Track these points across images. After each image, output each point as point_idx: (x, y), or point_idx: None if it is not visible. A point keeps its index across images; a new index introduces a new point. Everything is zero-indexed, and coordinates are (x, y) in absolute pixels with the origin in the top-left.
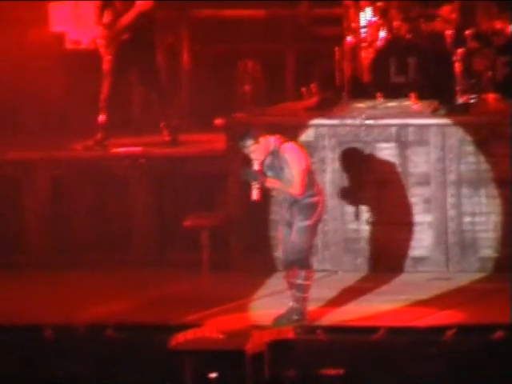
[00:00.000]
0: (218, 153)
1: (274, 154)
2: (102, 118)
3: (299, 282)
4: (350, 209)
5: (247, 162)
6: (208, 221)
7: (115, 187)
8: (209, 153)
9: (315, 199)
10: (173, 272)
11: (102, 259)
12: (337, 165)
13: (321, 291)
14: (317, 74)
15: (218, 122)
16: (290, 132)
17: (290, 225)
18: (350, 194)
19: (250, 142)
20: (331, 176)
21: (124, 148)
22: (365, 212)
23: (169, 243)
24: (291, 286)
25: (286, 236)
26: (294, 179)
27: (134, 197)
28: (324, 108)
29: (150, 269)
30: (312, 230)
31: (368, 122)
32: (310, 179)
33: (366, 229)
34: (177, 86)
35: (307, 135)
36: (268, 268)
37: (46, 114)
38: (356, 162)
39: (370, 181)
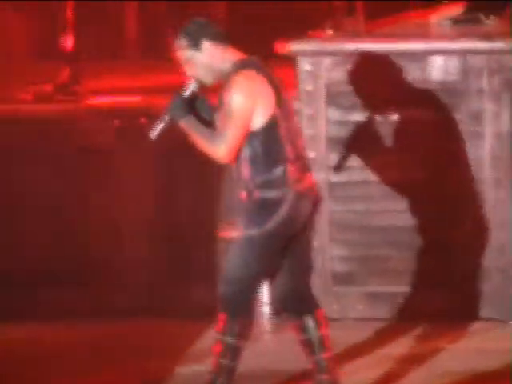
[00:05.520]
0: None
1: (225, 82)
2: (68, 41)
3: (222, 338)
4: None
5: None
6: None
7: (89, 165)
8: None
9: (277, 195)
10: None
11: (60, 295)
12: (503, 125)
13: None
14: None
15: (281, 46)
16: (417, 64)
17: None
18: None
19: (184, 43)
20: (492, 143)
21: (109, 97)
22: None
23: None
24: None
25: None
26: (222, 132)
27: (123, 185)
28: (478, 20)
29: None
30: (261, 249)
31: None
32: (276, 150)
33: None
34: None
35: (447, 70)
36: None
37: None
38: None
39: None
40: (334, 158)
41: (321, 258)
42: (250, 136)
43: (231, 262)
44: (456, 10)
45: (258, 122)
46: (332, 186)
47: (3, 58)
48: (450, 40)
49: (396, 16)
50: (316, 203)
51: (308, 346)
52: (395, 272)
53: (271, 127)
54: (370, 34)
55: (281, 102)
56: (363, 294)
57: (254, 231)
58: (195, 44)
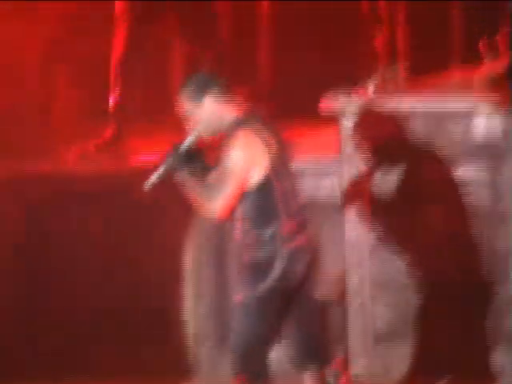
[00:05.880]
0: None
1: (225, 137)
2: (114, 97)
3: None
4: None
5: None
6: None
7: (141, 227)
8: None
9: (269, 254)
10: None
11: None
12: None
13: None
14: (504, 15)
15: (324, 104)
16: (460, 123)
17: None
18: None
19: (187, 96)
20: None
21: (153, 155)
22: None
23: None
24: None
25: None
26: (218, 189)
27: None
28: None
29: None
30: (259, 310)
31: None
32: (269, 209)
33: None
34: None
35: (488, 132)
36: None
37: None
38: None
39: None
40: (375, 216)
41: (363, 317)
42: (244, 195)
43: (236, 327)
44: (499, 67)
45: (253, 181)
46: (373, 245)
47: (48, 115)
48: (492, 99)
49: (439, 74)
50: (313, 259)
51: None
52: (436, 330)
53: (265, 187)
54: (413, 93)
55: (278, 161)
56: (405, 353)
57: (250, 294)
58: (197, 99)
